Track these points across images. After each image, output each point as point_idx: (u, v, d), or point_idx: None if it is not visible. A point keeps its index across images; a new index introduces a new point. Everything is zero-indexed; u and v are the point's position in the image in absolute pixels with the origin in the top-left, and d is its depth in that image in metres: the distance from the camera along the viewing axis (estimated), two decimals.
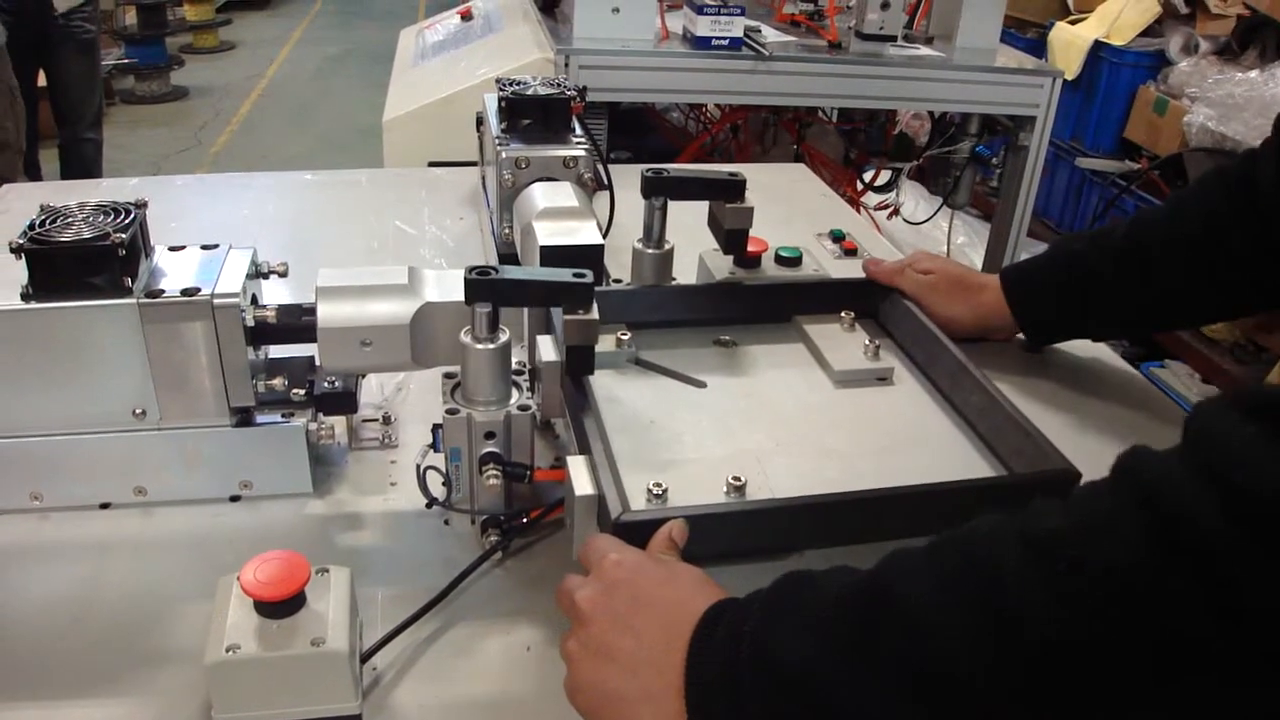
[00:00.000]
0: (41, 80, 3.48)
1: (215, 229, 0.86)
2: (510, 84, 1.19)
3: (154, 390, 0.82)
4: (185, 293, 0.79)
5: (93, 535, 0.83)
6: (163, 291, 0.79)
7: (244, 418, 0.86)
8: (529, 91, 1.17)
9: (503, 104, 1.17)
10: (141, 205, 0.82)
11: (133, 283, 0.79)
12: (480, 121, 1.28)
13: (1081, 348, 1.17)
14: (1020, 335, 1.15)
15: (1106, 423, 1.04)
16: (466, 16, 2.76)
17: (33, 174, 3.34)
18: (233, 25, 7.54)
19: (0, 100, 2.90)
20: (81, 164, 3.60)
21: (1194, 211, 0.99)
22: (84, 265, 0.77)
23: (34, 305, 0.77)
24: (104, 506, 0.86)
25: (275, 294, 0.89)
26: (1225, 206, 0.96)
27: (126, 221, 0.79)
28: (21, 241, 0.76)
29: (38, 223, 0.79)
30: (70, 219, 0.79)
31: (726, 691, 0.55)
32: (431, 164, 1.87)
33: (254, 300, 0.86)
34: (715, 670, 0.56)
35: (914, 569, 0.53)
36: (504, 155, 1.09)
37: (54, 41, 3.35)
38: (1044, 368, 1.13)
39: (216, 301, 0.79)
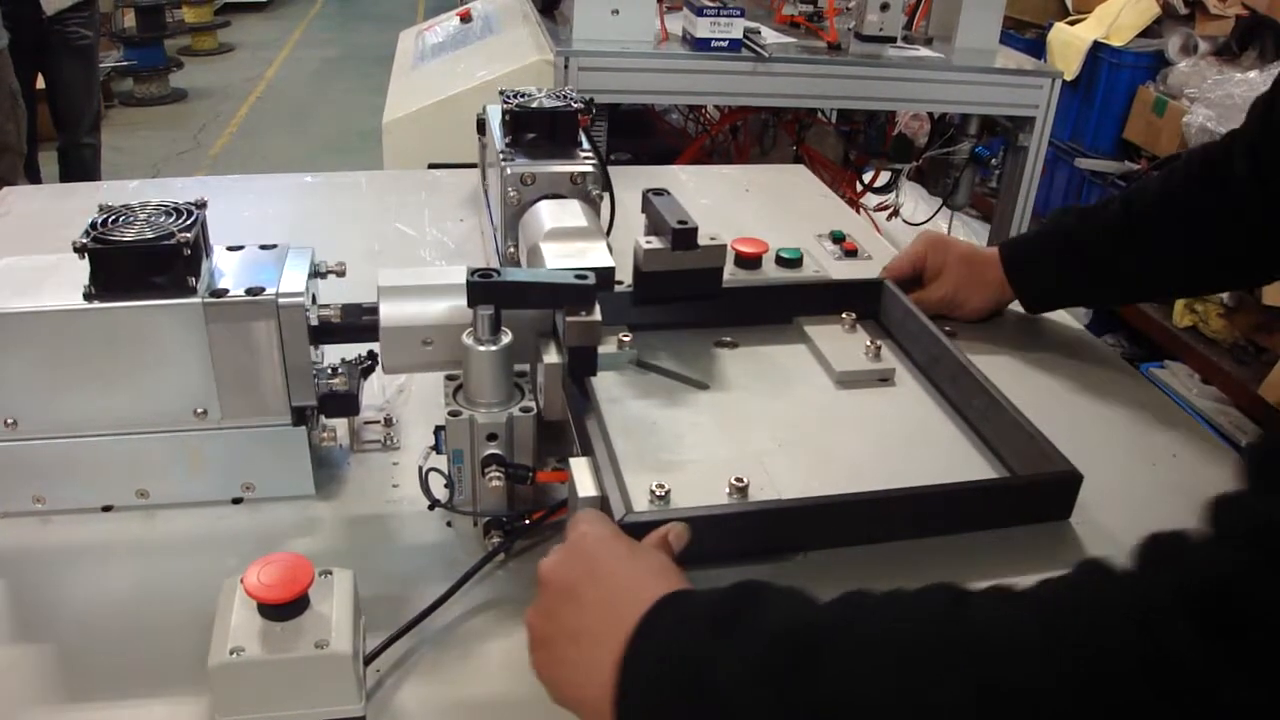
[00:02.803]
0: (40, 84, 3.48)
1: (218, 231, 0.86)
2: (515, 95, 1.14)
3: (216, 390, 0.82)
4: (250, 292, 0.80)
5: (95, 538, 0.83)
6: (226, 291, 0.80)
7: (301, 417, 0.86)
8: (535, 104, 1.13)
9: (507, 117, 1.12)
10: (202, 205, 0.83)
11: (195, 282, 0.79)
12: (481, 125, 1.27)
13: (1082, 349, 1.18)
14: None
15: (1108, 424, 1.04)
16: (466, 18, 2.76)
17: (32, 177, 3.34)
18: (231, 27, 7.53)
19: (2, 103, 2.90)
20: (80, 168, 3.59)
21: (1182, 193, 1.05)
22: (149, 265, 0.78)
23: (98, 305, 0.77)
24: (106, 509, 0.86)
25: None
26: (1209, 191, 1.02)
27: (190, 222, 0.79)
28: (85, 241, 0.76)
29: (99, 222, 0.79)
30: (131, 219, 0.80)
31: (653, 691, 0.56)
32: (432, 166, 1.87)
33: (314, 299, 0.86)
34: (648, 666, 0.57)
35: (852, 634, 0.52)
36: (509, 171, 1.05)
37: (51, 46, 3.35)
38: (1046, 369, 1.13)
39: (281, 301, 0.80)
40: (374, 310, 0.82)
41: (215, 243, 0.86)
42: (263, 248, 0.86)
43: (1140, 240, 1.06)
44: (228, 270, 0.83)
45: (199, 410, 0.82)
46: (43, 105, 3.52)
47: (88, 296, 0.77)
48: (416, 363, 0.83)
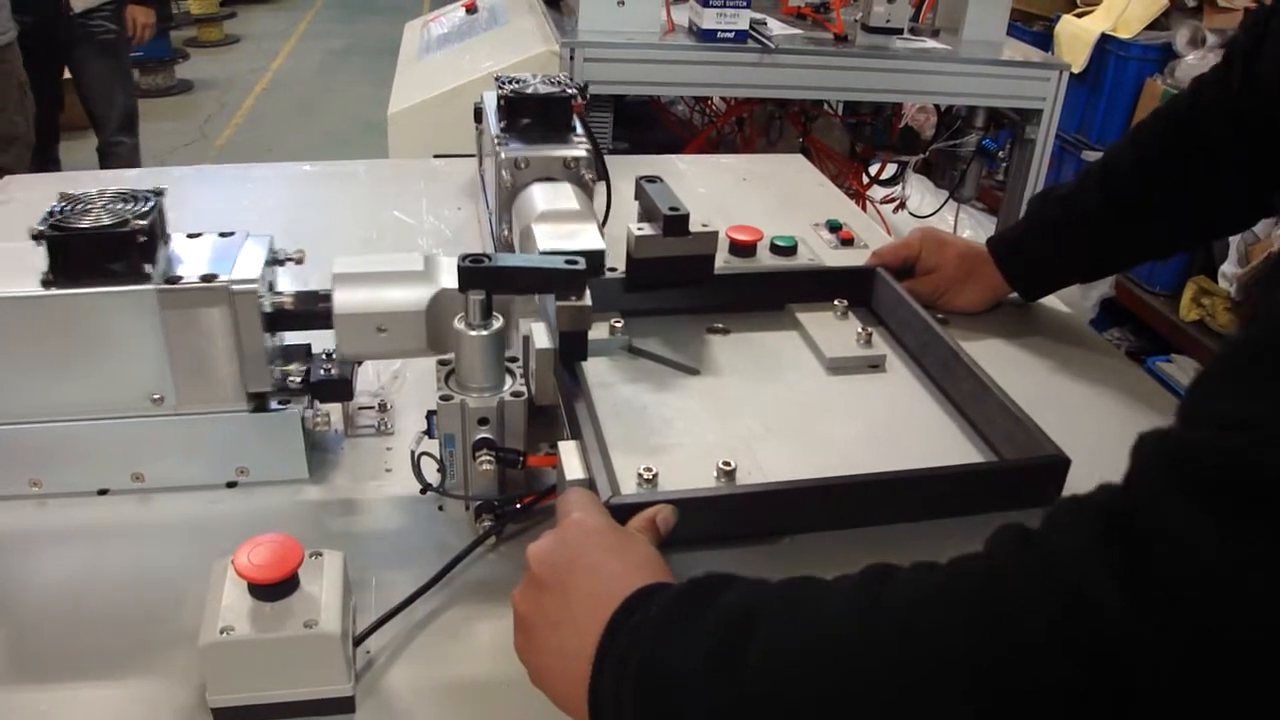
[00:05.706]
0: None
1: (214, 220, 0.87)
2: (510, 81, 1.15)
3: (171, 376, 0.82)
4: (204, 279, 0.80)
5: (91, 521, 0.84)
6: (181, 278, 0.80)
7: (260, 403, 0.86)
8: (529, 90, 1.13)
9: (502, 102, 1.13)
10: (160, 193, 0.83)
11: (151, 269, 0.79)
12: (478, 113, 1.28)
13: (1074, 336, 1.18)
14: None
15: (1098, 410, 1.04)
16: (471, 9, 2.77)
17: (51, 170, 3.32)
18: (237, 19, 7.54)
19: (10, 95, 2.89)
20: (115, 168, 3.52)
21: (1157, 155, 1.06)
22: (104, 252, 0.78)
23: (54, 291, 0.78)
24: (102, 493, 0.86)
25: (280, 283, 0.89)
26: (1183, 145, 1.03)
27: (146, 209, 0.80)
28: (42, 228, 0.77)
29: (57, 210, 0.79)
30: (89, 206, 0.80)
31: (615, 688, 0.56)
32: (437, 157, 1.87)
33: (271, 286, 0.86)
34: (614, 663, 0.57)
35: (789, 617, 0.53)
36: (503, 155, 1.06)
37: (74, 41, 3.27)
38: (1037, 355, 1.13)
39: (234, 288, 0.80)
40: (329, 297, 0.82)
41: (211, 231, 0.87)
42: (221, 235, 0.86)
43: (1126, 217, 1.08)
44: (185, 257, 0.83)
45: (155, 397, 0.83)
46: (73, 96, 3.46)
47: (45, 283, 0.78)
48: (372, 350, 0.83)
